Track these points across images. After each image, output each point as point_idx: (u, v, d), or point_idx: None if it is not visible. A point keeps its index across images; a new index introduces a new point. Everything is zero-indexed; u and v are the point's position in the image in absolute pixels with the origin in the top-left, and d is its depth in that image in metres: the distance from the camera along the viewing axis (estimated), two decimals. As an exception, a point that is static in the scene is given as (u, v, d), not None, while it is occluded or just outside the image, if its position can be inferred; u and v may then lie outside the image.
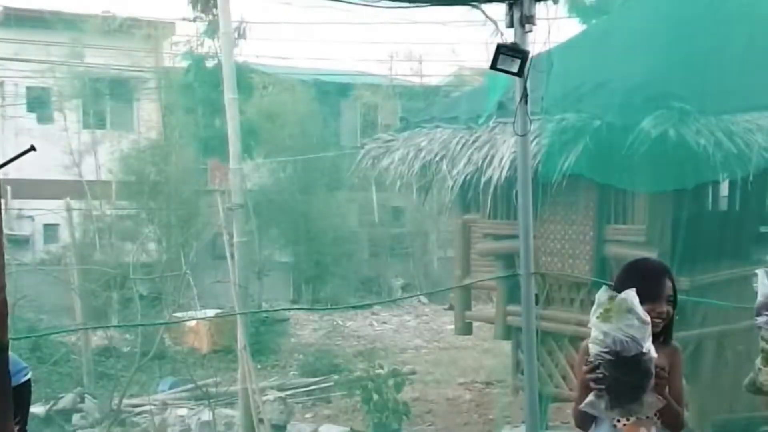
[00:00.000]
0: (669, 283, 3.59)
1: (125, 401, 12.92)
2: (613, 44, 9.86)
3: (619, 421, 3.43)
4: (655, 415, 3.42)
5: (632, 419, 3.40)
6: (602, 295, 3.38)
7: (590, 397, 3.35)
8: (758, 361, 3.69)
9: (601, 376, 3.30)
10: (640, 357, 3.26)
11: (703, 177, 8.87)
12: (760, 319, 3.64)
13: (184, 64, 20.19)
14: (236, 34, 17.55)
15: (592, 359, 3.33)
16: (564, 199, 9.74)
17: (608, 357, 3.28)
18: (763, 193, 9.57)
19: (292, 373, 16.03)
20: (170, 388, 14.11)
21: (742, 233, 9.78)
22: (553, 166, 8.81)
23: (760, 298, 3.64)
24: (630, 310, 3.28)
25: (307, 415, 13.56)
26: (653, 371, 3.30)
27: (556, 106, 8.79)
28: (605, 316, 3.32)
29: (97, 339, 16.07)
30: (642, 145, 8.22)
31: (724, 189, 10.41)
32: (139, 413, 13.07)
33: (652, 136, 8.16)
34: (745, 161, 8.37)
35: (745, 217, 9.97)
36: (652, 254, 8.19)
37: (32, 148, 2.48)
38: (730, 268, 8.97)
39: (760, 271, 3.68)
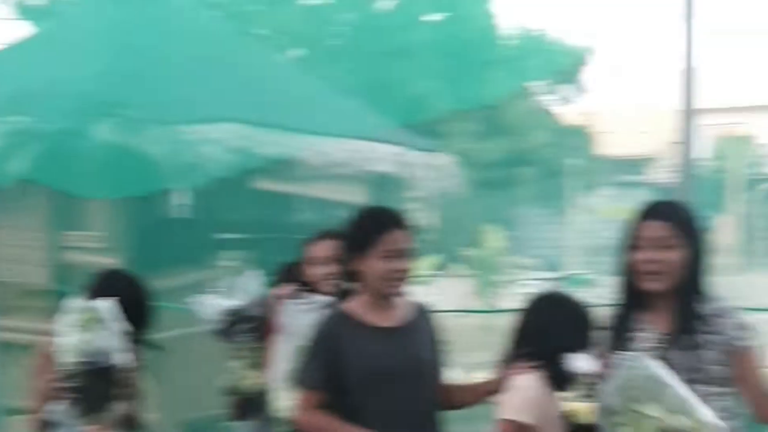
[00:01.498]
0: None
1: None
2: (62, 48, 9.71)
3: (85, 428, 3.44)
4: None
5: (97, 426, 3.44)
6: (73, 304, 3.39)
7: (59, 406, 3.38)
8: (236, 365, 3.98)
9: (74, 385, 3.33)
10: (111, 368, 3.34)
11: (158, 185, 9.11)
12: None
13: None
14: None
15: (65, 368, 3.34)
16: (17, 205, 9.44)
17: (81, 367, 3.31)
18: (216, 202, 10.07)
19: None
20: None
21: (197, 240, 10.18)
22: (3, 171, 8.51)
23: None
24: (102, 321, 3.34)
25: None
26: (124, 381, 3.41)
27: (5, 108, 8.51)
28: (78, 326, 3.34)
29: None
30: (95, 152, 8.24)
31: (184, 197, 10.78)
32: None
33: (105, 143, 8.21)
34: (198, 171, 8.77)
35: (200, 224, 10.39)
36: (114, 260, 8.23)
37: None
38: (188, 273, 9.32)
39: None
